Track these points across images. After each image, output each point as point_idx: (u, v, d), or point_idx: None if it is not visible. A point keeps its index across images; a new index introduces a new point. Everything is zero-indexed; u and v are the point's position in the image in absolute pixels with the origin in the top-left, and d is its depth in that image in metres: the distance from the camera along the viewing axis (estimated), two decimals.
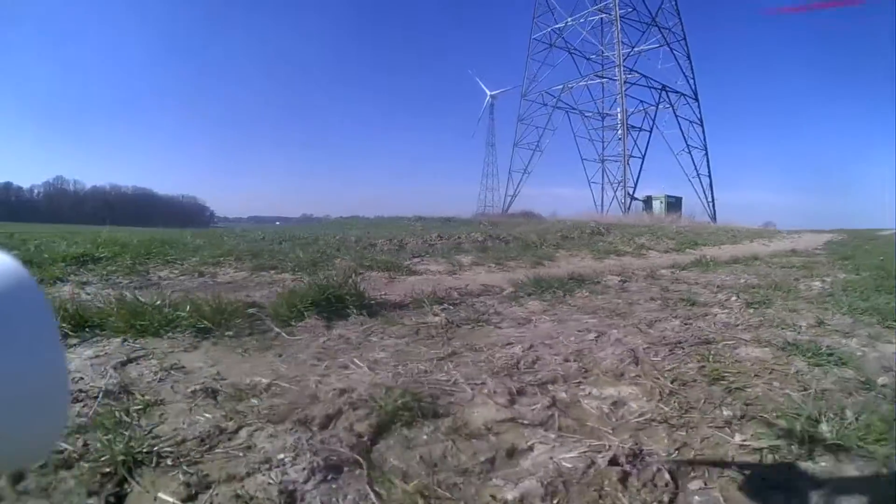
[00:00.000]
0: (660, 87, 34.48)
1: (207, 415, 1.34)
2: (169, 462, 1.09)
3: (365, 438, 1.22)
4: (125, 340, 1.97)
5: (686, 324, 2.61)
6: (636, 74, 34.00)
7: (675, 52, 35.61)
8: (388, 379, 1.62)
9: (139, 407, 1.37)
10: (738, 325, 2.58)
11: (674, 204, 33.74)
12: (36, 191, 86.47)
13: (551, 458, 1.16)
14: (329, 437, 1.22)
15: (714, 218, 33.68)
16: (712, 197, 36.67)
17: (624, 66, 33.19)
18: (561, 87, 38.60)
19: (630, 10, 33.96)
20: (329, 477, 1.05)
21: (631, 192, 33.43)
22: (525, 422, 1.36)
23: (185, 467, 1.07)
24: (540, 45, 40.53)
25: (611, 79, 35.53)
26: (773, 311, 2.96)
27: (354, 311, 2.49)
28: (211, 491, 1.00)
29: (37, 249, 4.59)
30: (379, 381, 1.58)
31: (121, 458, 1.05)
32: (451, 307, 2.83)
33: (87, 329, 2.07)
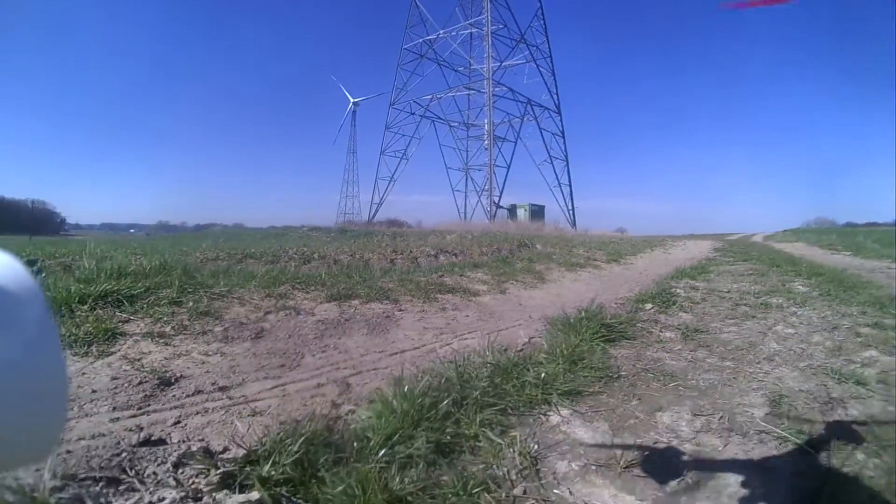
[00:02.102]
0: (525, 100, 37.66)
1: None
2: None
3: None
4: None
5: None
6: (503, 88, 36.57)
7: (540, 68, 38.96)
8: None
9: None
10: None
11: (537, 212, 36.76)
12: None
13: None
14: None
15: (574, 224, 37.77)
16: (572, 205, 40.25)
17: (492, 80, 35.63)
18: (430, 97, 39.85)
19: (501, 26, 36.64)
20: None
21: (497, 201, 35.24)
22: None
23: None
24: (410, 55, 41.37)
25: (478, 91, 37.63)
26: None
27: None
28: None
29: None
30: None
31: None
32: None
33: None
